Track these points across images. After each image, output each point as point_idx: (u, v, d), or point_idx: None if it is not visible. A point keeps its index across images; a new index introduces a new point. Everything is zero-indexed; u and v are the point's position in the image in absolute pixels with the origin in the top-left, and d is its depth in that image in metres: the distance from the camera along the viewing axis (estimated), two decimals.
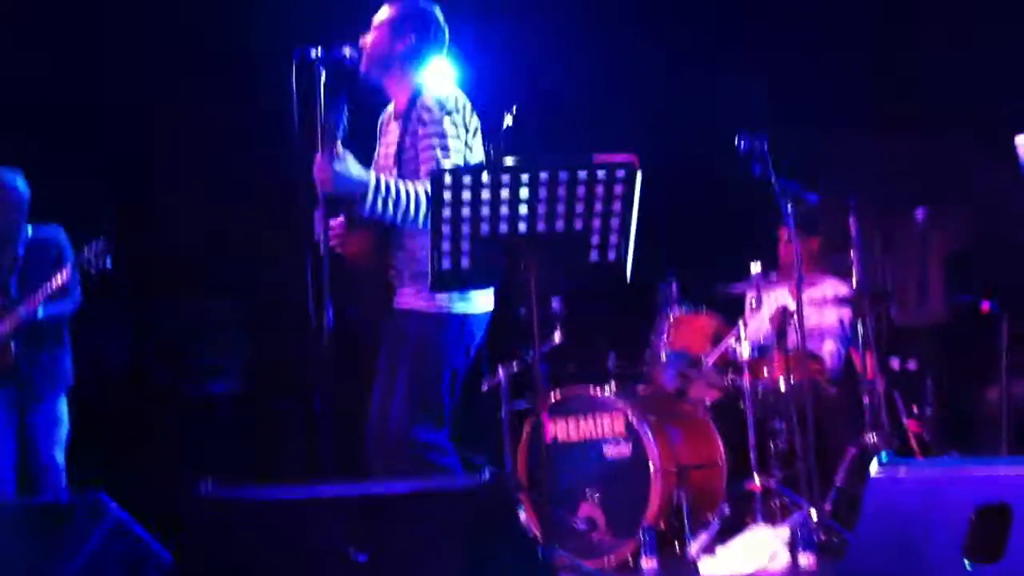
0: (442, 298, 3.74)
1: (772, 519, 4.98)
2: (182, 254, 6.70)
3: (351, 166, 3.65)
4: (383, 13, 3.96)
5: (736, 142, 4.88)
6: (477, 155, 3.86)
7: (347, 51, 3.83)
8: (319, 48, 3.74)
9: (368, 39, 3.93)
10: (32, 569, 3.52)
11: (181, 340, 6.75)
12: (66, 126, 6.37)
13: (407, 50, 3.90)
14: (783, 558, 4.63)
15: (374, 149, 4.05)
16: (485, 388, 5.97)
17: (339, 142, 3.64)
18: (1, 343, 5.07)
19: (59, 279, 5.05)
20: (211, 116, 6.55)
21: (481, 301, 3.86)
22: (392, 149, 3.87)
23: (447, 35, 3.98)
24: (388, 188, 3.63)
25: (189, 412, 6.63)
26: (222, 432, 6.60)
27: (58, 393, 5.25)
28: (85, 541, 3.49)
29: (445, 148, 3.73)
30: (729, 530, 4.95)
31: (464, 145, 3.80)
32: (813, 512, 4.77)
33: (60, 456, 5.21)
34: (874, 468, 2.94)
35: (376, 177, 3.65)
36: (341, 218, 3.88)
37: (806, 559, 4.60)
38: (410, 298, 3.81)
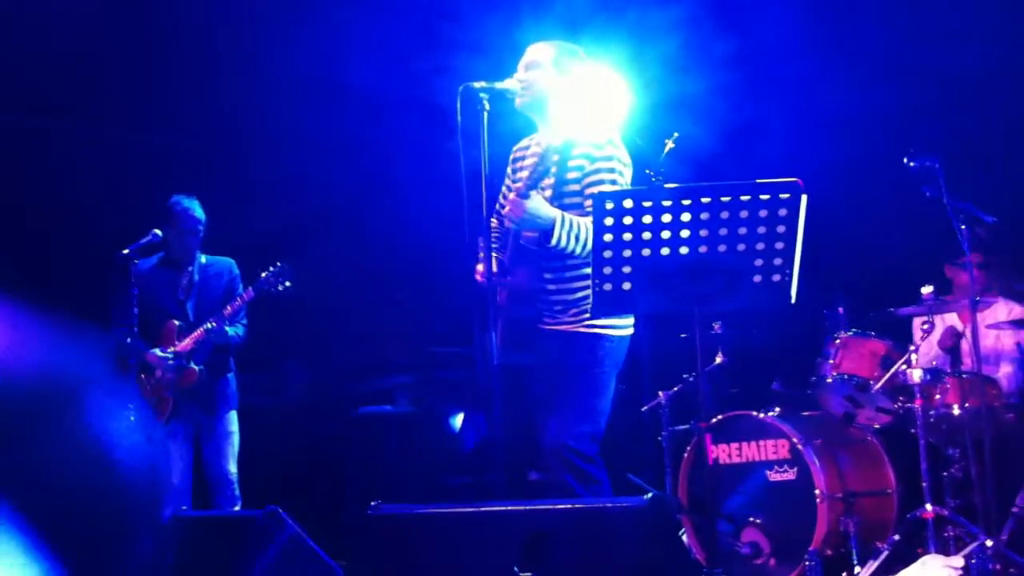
0: (596, 321, 3.89)
1: (946, 549, 4.82)
2: (353, 281, 6.91)
3: (540, 204, 3.83)
4: (541, 53, 4.05)
5: (905, 162, 4.77)
6: None
7: (510, 83, 3.96)
8: (484, 83, 3.88)
9: (525, 76, 4.03)
10: None
11: (353, 366, 6.95)
12: (242, 164, 6.68)
13: (568, 89, 4.00)
14: None
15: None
16: (645, 410, 5.97)
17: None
18: (184, 363, 5.35)
19: (238, 303, 5.35)
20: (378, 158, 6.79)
21: (628, 323, 4.03)
22: (550, 181, 3.96)
23: (594, 72, 4.08)
24: (572, 224, 3.82)
25: (361, 433, 6.82)
26: (392, 452, 6.76)
27: (229, 409, 5.51)
28: (262, 554, 3.63)
29: (614, 182, 3.89)
30: (900, 559, 4.81)
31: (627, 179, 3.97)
32: (989, 542, 4.60)
33: (234, 467, 5.48)
34: None
35: (561, 215, 3.83)
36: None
37: None
38: (567, 321, 3.94)
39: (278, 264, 5.41)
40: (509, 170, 4.24)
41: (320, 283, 5.95)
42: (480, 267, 3.99)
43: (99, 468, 0.90)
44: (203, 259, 5.59)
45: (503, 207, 4.16)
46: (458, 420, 3.82)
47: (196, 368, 5.37)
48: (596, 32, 4.18)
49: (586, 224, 3.79)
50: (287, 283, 5.39)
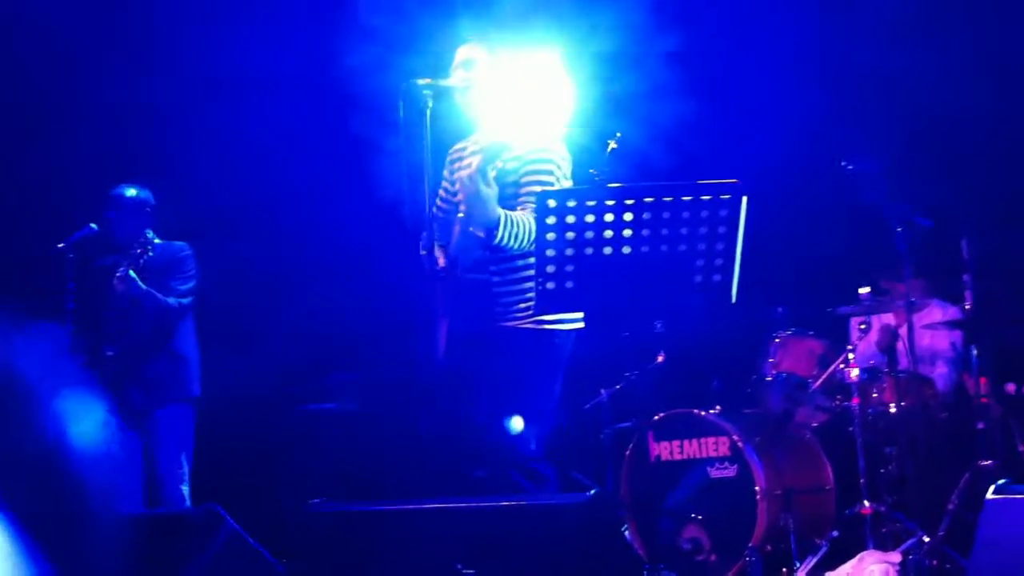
0: (546, 316, 3.85)
1: (883, 545, 4.90)
2: (296, 273, 6.86)
3: (492, 200, 3.75)
4: (481, 51, 4.05)
5: (843, 165, 4.83)
6: None
7: (454, 80, 3.95)
8: (428, 79, 3.87)
9: (469, 74, 4.02)
10: None
11: (294, 361, 6.90)
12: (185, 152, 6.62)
13: (509, 87, 3.98)
14: None
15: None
16: (588, 407, 5.99)
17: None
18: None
19: (138, 253, 5.17)
20: (323, 145, 6.75)
21: (578, 316, 3.99)
22: (492, 175, 3.95)
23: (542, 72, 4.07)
24: (514, 223, 3.77)
25: (302, 429, 6.77)
26: (333, 449, 6.73)
27: (178, 400, 5.39)
28: (201, 552, 3.59)
29: (551, 172, 3.88)
30: (838, 555, 4.88)
31: (567, 178, 3.94)
32: (925, 538, 4.68)
33: (182, 460, 5.35)
34: (990, 493, 2.89)
35: (505, 215, 3.76)
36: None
37: None
38: (518, 316, 3.92)
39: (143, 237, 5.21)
40: (446, 172, 4.24)
41: (262, 278, 5.89)
42: (439, 256, 3.97)
43: (57, 461, 0.90)
44: (156, 241, 5.46)
45: (440, 209, 4.16)
46: (516, 423, 3.79)
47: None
48: (533, 30, 4.17)
49: (524, 220, 3.78)
50: (149, 249, 5.17)
